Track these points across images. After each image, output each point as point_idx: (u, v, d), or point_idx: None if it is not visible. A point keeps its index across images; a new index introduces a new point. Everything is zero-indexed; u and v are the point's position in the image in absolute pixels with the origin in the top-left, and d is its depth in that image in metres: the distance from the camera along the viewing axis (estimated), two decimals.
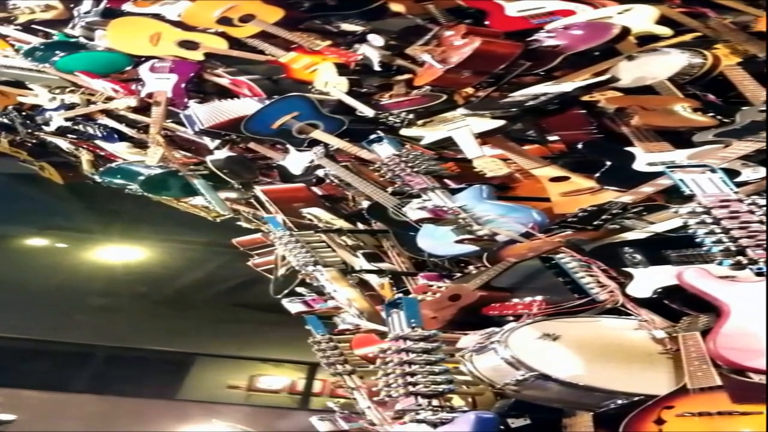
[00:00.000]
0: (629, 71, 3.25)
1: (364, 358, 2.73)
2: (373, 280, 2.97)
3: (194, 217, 4.28)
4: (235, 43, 4.24)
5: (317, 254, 2.93)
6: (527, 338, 2.00)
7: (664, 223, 2.43)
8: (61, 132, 4.61)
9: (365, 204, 3.24)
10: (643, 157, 2.77)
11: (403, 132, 3.29)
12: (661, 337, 1.99)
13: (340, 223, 3.27)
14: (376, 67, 3.83)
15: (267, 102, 3.75)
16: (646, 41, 3.39)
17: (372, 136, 3.18)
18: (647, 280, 2.19)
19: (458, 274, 2.69)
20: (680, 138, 2.84)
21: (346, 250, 3.07)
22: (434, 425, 1.95)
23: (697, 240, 2.11)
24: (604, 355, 1.96)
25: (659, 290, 2.14)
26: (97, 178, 4.41)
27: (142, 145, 4.32)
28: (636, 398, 1.85)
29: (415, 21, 4.12)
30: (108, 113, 4.42)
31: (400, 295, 2.54)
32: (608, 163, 2.79)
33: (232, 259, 4.72)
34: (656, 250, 2.29)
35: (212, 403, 6.57)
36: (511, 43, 3.43)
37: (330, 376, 2.79)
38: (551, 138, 3.17)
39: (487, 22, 3.75)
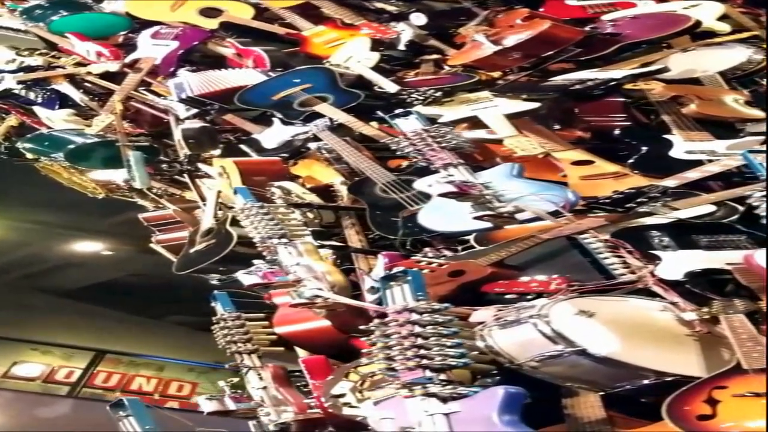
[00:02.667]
0: (681, 63, 3.37)
1: (287, 336, 2.71)
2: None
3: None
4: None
5: (287, 227, 2.86)
6: (565, 314, 2.01)
7: (690, 209, 2.48)
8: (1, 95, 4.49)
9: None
10: (681, 145, 2.84)
11: (419, 110, 3.26)
12: (690, 319, 2.00)
13: (311, 198, 3.24)
14: (401, 47, 3.89)
15: (277, 73, 3.78)
16: (698, 37, 3.54)
17: (399, 111, 3.17)
18: (677, 263, 2.20)
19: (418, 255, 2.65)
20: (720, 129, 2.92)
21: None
22: (444, 400, 1.88)
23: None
24: (636, 334, 1.97)
25: (691, 274, 2.16)
26: (18, 145, 4.28)
27: (85, 115, 4.26)
28: (669, 378, 1.87)
29: (461, 3, 4.24)
30: (72, 78, 4.34)
31: (402, 268, 2.40)
32: (644, 149, 2.86)
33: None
34: (684, 235, 2.32)
35: None
36: (575, 29, 3.55)
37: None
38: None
39: (541, 9, 3.88)
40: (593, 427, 1.87)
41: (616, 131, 3.05)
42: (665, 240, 2.30)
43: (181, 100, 3.86)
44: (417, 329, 2.00)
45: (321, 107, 3.48)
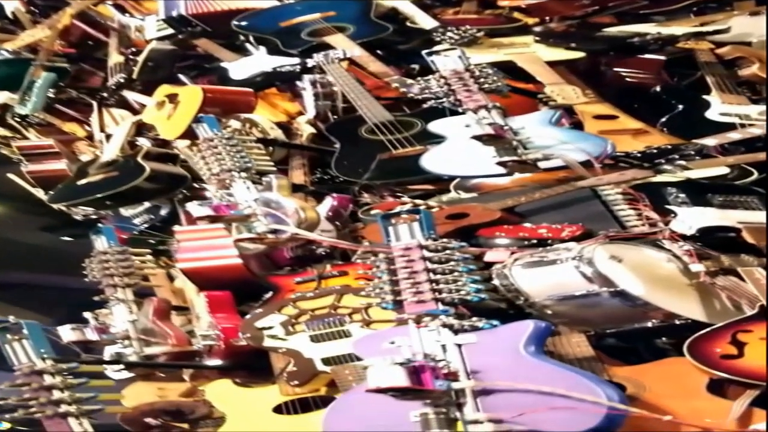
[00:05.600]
0: (741, 26, 3.37)
1: (189, 271, 2.71)
2: None
3: None
4: None
5: (254, 160, 2.88)
6: (602, 257, 2.11)
7: (704, 170, 2.57)
8: None
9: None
10: (718, 107, 2.90)
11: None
12: (696, 270, 2.11)
13: (277, 134, 3.26)
14: None
15: None
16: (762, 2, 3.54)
17: (439, 47, 3.17)
18: (691, 218, 2.32)
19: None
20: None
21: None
22: (457, 332, 1.91)
23: None
24: (651, 280, 2.09)
25: (703, 229, 2.28)
26: None
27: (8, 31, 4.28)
28: (678, 321, 2.04)
29: None
30: None
31: (407, 206, 2.52)
32: (681, 107, 2.94)
33: None
34: (699, 193, 2.44)
35: None
36: None
37: None
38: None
39: None
40: (584, 365, 1.96)
41: (657, 88, 3.09)
42: (681, 196, 2.41)
43: (166, 19, 3.82)
44: (429, 265, 2.05)
45: (334, 38, 3.47)
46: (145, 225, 3.25)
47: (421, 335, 1.88)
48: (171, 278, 2.94)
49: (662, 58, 3.23)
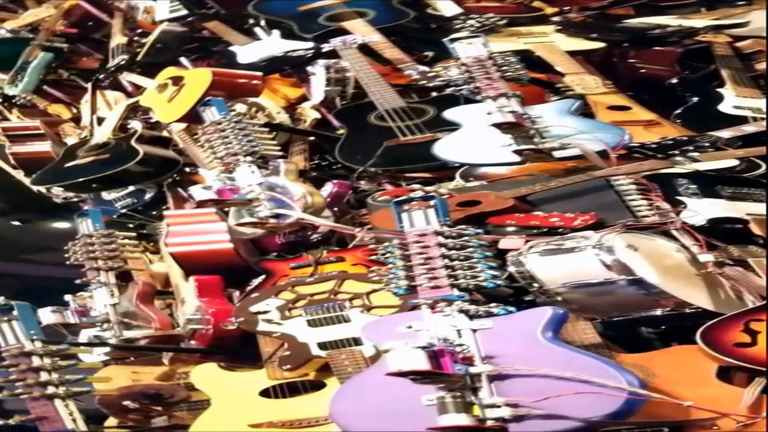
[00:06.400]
0: (759, 20, 3.39)
1: (178, 255, 2.70)
2: None
3: None
4: None
5: (261, 145, 2.88)
6: (620, 246, 2.15)
7: (712, 162, 2.60)
8: None
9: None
10: (731, 100, 2.93)
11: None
12: (705, 260, 2.15)
13: (283, 118, 3.28)
14: None
15: None
16: None
17: (461, 34, 3.20)
18: (701, 209, 2.37)
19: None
20: None
21: None
22: (472, 317, 1.94)
23: None
24: (664, 269, 2.12)
25: (713, 220, 2.34)
26: None
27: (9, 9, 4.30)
28: (689, 309, 2.07)
29: None
30: None
31: (421, 192, 2.52)
32: (695, 99, 2.98)
33: None
34: (709, 185, 2.48)
35: None
36: None
37: None
38: None
39: None
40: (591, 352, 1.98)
41: (674, 80, 3.13)
42: (691, 187, 2.46)
43: None
44: (445, 251, 2.10)
45: (353, 23, 3.48)
46: (126, 209, 3.20)
47: (435, 320, 1.91)
48: (150, 262, 2.90)
49: (678, 50, 3.26)
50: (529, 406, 1.66)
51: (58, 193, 3.30)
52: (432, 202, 2.23)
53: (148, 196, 3.23)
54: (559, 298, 2.13)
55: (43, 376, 2.19)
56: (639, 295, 2.08)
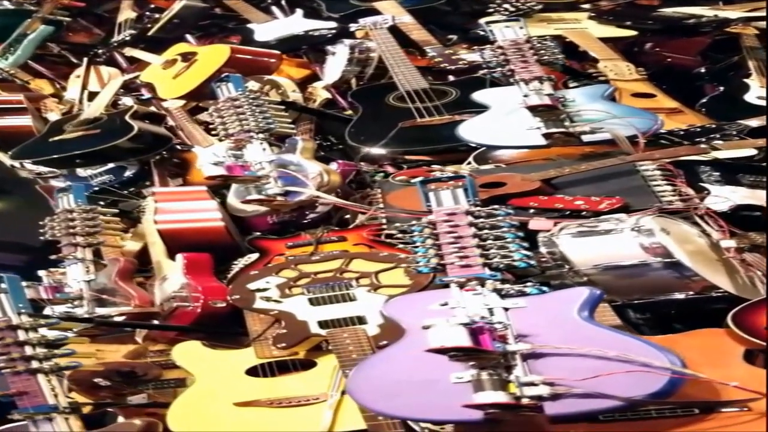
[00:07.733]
0: None
1: (168, 231, 2.68)
2: None
3: None
4: None
5: (276, 121, 2.90)
6: (657, 229, 2.19)
7: (730, 151, 2.64)
8: None
9: None
10: (756, 91, 2.98)
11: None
12: (726, 246, 2.20)
13: (297, 97, 3.30)
14: None
15: None
16: None
17: (499, 17, 3.26)
18: (723, 196, 2.42)
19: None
20: None
21: None
22: (504, 296, 1.96)
23: None
24: (693, 253, 2.17)
25: (735, 207, 2.38)
26: None
27: None
28: (716, 293, 2.11)
29: None
30: None
31: (447, 173, 2.57)
32: (721, 88, 3.05)
33: None
34: (730, 173, 2.53)
35: None
36: None
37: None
38: None
39: None
40: None
41: (702, 69, 3.21)
42: (714, 175, 2.50)
43: None
44: (475, 230, 2.12)
45: (383, 4, 3.53)
46: (101, 186, 3.12)
47: (467, 299, 1.93)
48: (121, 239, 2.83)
49: (707, 40, 3.32)
50: (570, 385, 1.66)
51: (31, 168, 3.22)
52: (462, 183, 2.25)
53: (128, 173, 3.16)
54: (585, 280, 2.15)
55: (28, 351, 2.12)
56: (671, 278, 2.12)
